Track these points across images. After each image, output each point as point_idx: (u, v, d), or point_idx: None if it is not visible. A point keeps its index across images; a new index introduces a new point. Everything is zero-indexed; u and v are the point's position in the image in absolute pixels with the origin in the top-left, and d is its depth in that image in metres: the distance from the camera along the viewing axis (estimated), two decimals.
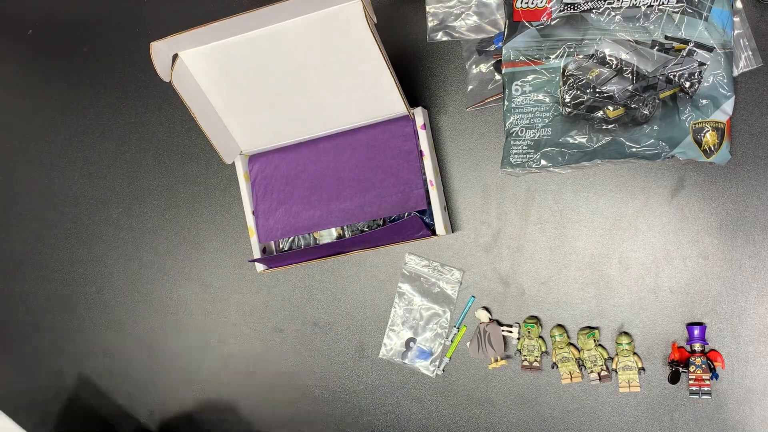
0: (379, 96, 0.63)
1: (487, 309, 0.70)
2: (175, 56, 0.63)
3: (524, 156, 0.65)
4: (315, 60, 0.62)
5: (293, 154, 0.69)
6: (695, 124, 0.62)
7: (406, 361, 0.73)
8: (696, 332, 0.65)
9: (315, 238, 0.71)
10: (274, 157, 0.69)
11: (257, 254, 0.70)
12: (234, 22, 0.58)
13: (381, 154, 0.66)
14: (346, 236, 0.70)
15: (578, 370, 0.68)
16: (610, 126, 0.64)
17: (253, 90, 0.65)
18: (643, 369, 0.67)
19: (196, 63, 0.64)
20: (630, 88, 0.63)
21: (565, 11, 0.64)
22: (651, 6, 0.62)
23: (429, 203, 0.67)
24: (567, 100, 0.65)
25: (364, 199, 0.67)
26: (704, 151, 0.62)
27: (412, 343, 0.73)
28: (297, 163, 0.68)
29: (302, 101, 0.65)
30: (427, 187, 0.67)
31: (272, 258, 0.69)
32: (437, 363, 0.72)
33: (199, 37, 0.60)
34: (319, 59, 0.61)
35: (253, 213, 0.70)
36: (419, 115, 0.67)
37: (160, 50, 0.60)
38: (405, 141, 0.66)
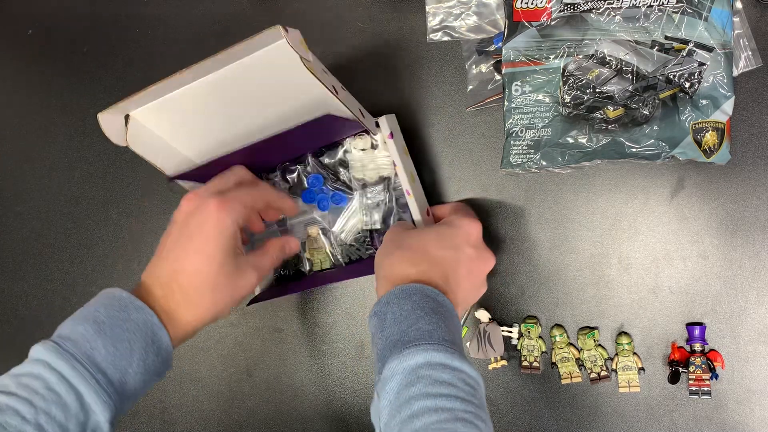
0: (335, 122, 0.62)
1: (487, 309, 0.70)
2: (127, 117, 0.62)
3: (524, 156, 0.65)
4: (265, 99, 0.61)
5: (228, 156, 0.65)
6: (695, 124, 0.62)
7: None
8: (696, 332, 0.65)
9: (308, 259, 0.71)
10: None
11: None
12: (172, 82, 0.57)
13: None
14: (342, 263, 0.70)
15: (578, 370, 0.68)
16: (610, 126, 0.64)
17: (211, 133, 0.64)
18: (642, 369, 0.67)
19: (148, 119, 0.63)
20: (630, 88, 0.63)
21: (565, 11, 0.64)
22: (651, 6, 0.62)
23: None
24: (567, 100, 0.65)
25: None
26: (704, 151, 0.62)
27: None
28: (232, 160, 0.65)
29: (258, 138, 0.64)
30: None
31: (269, 293, 0.69)
32: None
33: (144, 99, 0.59)
34: (267, 98, 0.61)
35: None
36: (385, 126, 0.64)
37: (108, 120, 0.60)
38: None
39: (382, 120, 0.64)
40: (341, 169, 0.68)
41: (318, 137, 0.66)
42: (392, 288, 0.53)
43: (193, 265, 0.55)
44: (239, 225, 0.57)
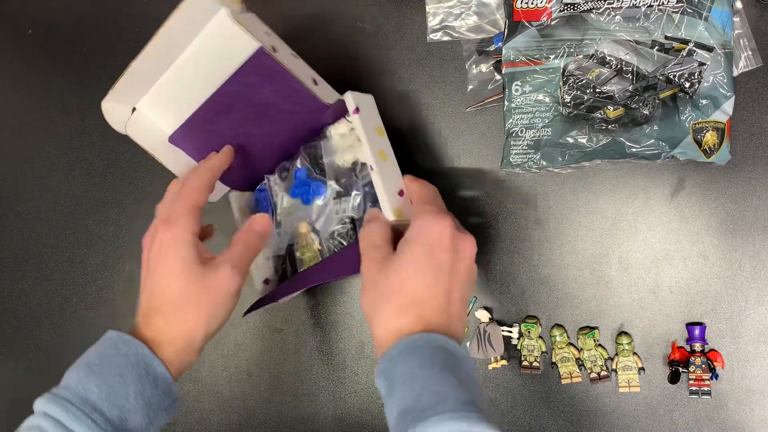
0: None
1: (487, 309, 0.70)
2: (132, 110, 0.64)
3: (524, 156, 0.65)
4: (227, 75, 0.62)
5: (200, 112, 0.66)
6: (695, 124, 0.62)
7: None
8: (696, 332, 0.65)
9: (301, 258, 0.69)
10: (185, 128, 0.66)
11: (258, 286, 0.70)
12: (151, 54, 0.60)
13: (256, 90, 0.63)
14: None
15: (578, 370, 0.68)
16: (610, 126, 0.64)
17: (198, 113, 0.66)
18: (642, 369, 0.67)
19: (149, 109, 0.65)
20: (630, 88, 0.63)
21: (565, 11, 0.64)
22: (651, 6, 0.62)
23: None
24: (567, 100, 0.65)
25: (280, 126, 0.64)
26: (704, 151, 0.62)
27: None
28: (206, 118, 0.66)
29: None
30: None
31: (268, 298, 0.67)
32: None
33: (132, 81, 0.61)
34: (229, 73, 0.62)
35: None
36: (350, 102, 0.61)
37: (111, 109, 0.63)
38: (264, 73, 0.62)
39: (347, 95, 0.61)
40: (323, 158, 0.66)
41: (302, 127, 0.65)
42: (394, 341, 0.50)
43: (161, 287, 0.56)
44: (193, 229, 0.56)
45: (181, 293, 0.55)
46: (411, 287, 0.51)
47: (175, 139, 0.66)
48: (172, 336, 0.55)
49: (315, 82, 0.61)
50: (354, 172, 0.64)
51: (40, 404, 0.51)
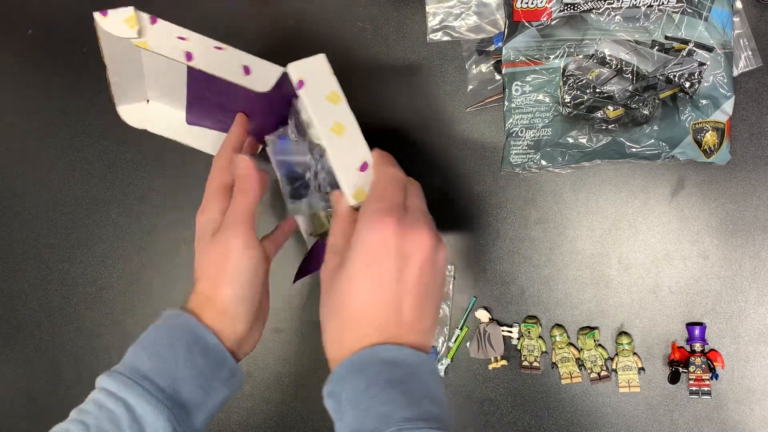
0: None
1: (487, 309, 0.70)
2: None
3: (524, 156, 0.65)
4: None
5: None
6: (695, 124, 0.62)
7: None
8: (696, 332, 0.66)
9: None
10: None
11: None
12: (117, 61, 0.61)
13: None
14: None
15: (578, 370, 0.68)
16: (610, 126, 0.64)
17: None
18: (642, 369, 0.67)
19: (160, 97, 0.65)
20: (630, 88, 0.63)
21: (565, 11, 0.64)
22: (651, 6, 0.62)
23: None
24: (567, 100, 0.65)
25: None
26: (704, 151, 0.62)
27: None
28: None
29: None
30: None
31: (311, 266, 0.66)
32: (439, 363, 0.72)
33: (126, 73, 0.61)
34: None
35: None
36: (294, 75, 0.54)
37: (129, 109, 0.63)
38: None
39: (289, 68, 0.54)
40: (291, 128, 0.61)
41: (269, 106, 0.62)
42: (339, 361, 0.49)
43: (196, 268, 0.59)
44: (219, 208, 0.58)
45: (205, 267, 0.57)
46: (351, 306, 0.48)
47: (190, 119, 0.66)
48: (208, 303, 0.56)
49: (247, 71, 0.56)
50: (314, 159, 0.58)
51: (99, 381, 0.53)
